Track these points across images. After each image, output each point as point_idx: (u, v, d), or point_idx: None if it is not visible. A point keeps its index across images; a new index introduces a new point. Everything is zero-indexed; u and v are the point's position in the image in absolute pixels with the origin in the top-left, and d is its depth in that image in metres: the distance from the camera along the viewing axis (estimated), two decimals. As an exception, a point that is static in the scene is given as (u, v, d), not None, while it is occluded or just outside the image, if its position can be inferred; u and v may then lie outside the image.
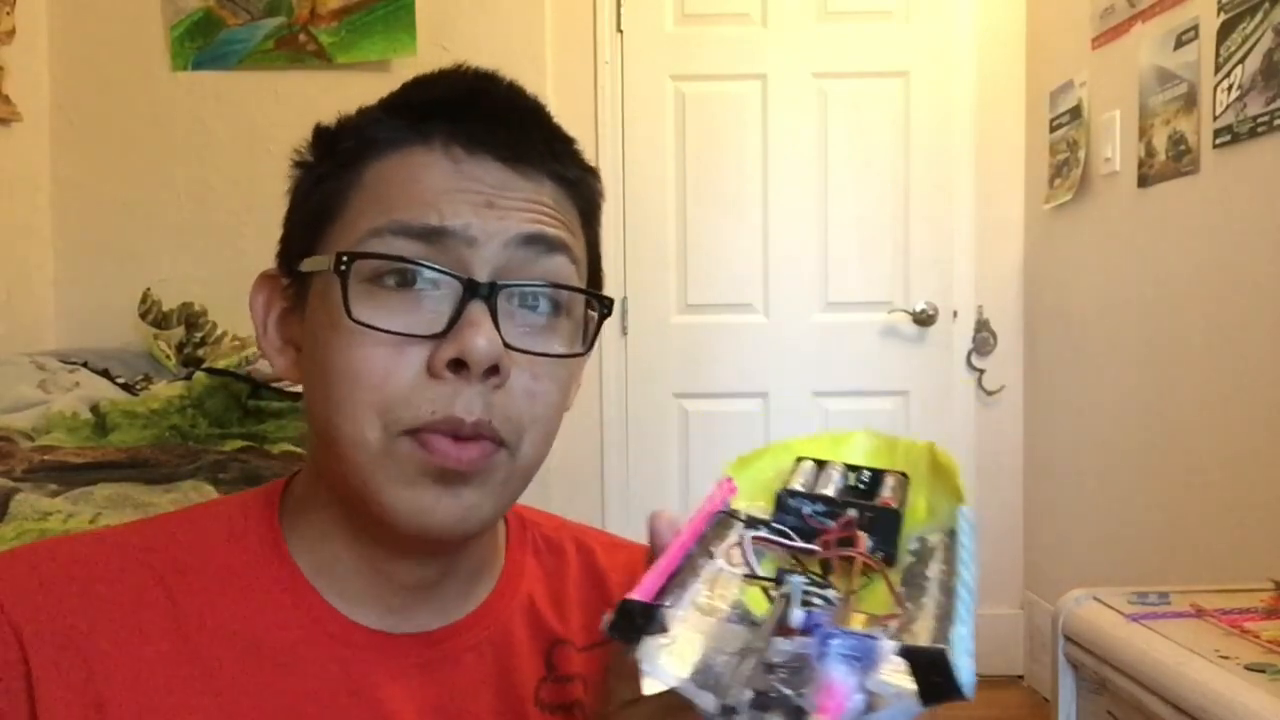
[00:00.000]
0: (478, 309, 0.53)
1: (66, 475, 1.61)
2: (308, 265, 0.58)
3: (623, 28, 2.85)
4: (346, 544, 0.59)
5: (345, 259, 0.54)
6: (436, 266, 0.54)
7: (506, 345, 0.54)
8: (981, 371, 2.91)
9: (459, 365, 0.53)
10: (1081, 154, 2.48)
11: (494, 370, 0.54)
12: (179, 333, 2.52)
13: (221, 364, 2.17)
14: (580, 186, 0.63)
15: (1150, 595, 1.45)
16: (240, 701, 0.56)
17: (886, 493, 0.49)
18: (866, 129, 2.87)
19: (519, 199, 0.57)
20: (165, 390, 2.03)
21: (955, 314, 2.88)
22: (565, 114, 2.57)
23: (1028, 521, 2.92)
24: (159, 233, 2.70)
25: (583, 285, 0.61)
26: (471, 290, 0.54)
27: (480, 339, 0.52)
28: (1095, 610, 1.42)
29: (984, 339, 2.90)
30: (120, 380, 2.17)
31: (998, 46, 2.87)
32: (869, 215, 2.88)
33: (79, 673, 0.54)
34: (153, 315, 2.55)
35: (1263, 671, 1.15)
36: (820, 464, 0.53)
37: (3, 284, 2.48)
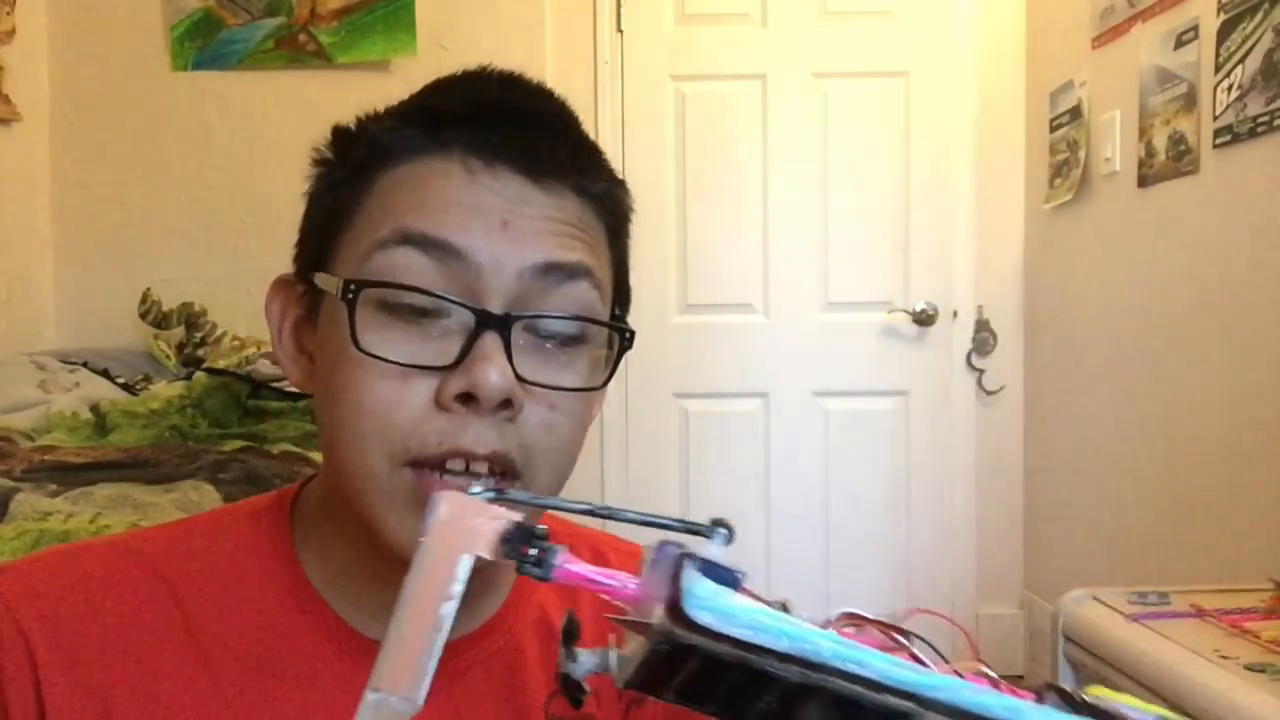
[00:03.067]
0: (490, 341, 0.51)
1: (66, 475, 1.61)
2: (320, 282, 0.56)
3: (623, 28, 2.85)
4: (357, 557, 0.58)
5: (353, 287, 0.52)
6: (449, 297, 0.52)
7: (520, 378, 0.52)
8: (981, 371, 2.91)
9: (468, 398, 0.51)
10: (1081, 154, 2.48)
11: (507, 404, 0.52)
12: (179, 333, 2.52)
13: (221, 364, 2.17)
14: (606, 200, 0.60)
15: (1150, 595, 1.45)
16: (250, 713, 0.55)
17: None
18: (866, 129, 2.87)
19: (537, 217, 0.54)
20: (165, 390, 2.03)
21: (955, 314, 2.88)
22: (565, 114, 2.46)
23: (1028, 521, 2.92)
24: (159, 233, 2.70)
25: (606, 307, 0.58)
26: (484, 321, 0.52)
27: (491, 373, 0.50)
28: (1095, 610, 1.42)
29: (984, 339, 2.90)
30: (120, 380, 2.17)
31: (998, 46, 2.87)
32: (869, 215, 2.88)
33: (88, 682, 0.53)
34: (153, 315, 2.55)
35: (1263, 671, 1.16)
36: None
37: (3, 284, 2.48)
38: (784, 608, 0.37)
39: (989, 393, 2.90)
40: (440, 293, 0.52)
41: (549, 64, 2.76)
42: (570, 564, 0.37)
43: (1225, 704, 1.11)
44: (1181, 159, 2.04)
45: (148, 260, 2.67)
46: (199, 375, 2.02)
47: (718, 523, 0.38)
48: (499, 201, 0.54)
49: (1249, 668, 1.17)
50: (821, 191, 2.88)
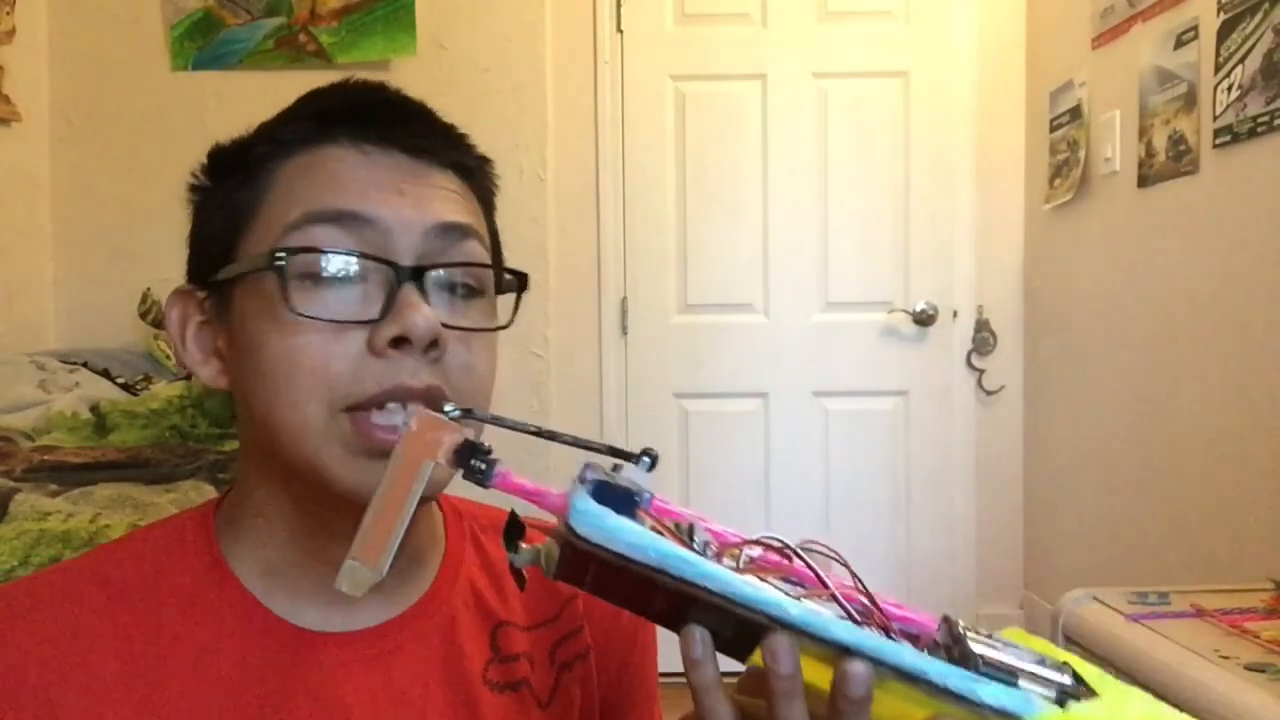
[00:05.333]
0: (410, 290, 0.57)
1: (66, 475, 1.61)
2: (233, 270, 0.59)
3: (623, 28, 2.85)
4: (291, 543, 0.61)
5: (281, 254, 0.56)
6: (368, 254, 0.57)
7: (441, 323, 0.57)
8: (981, 371, 2.91)
9: (400, 341, 0.56)
10: (1081, 154, 2.48)
11: (434, 344, 0.57)
12: (179, 333, 2.52)
13: (221, 364, 2.16)
14: (479, 175, 0.66)
15: (1150, 595, 1.45)
16: (193, 716, 0.57)
17: (1013, 664, 0.45)
18: (866, 129, 2.87)
19: (429, 185, 0.60)
20: (165, 390, 2.03)
21: (955, 314, 2.88)
22: (565, 114, 2.59)
23: (1028, 521, 2.92)
24: (159, 233, 2.69)
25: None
26: (402, 274, 0.57)
27: (419, 317, 0.55)
28: (1095, 610, 1.42)
29: (984, 339, 2.90)
30: (120, 380, 2.17)
31: (998, 46, 2.87)
32: (869, 215, 2.88)
33: (32, 706, 0.55)
34: (153, 315, 2.55)
35: (1263, 671, 1.16)
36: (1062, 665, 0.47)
37: (3, 284, 2.48)
38: (690, 529, 0.46)
39: (989, 393, 2.90)
40: (359, 252, 0.57)
41: (549, 64, 2.76)
42: (507, 478, 0.45)
43: (1225, 704, 1.11)
44: (1181, 159, 2.04)
45: (148, 260, 2.67)
46: (199, 375, 2.02)
47: (645, 451, 0.45)
48: (393, 174, 0.59)
49: (1249, 668, 1.17)
50: (821, 191, 2.88)
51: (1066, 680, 0.45)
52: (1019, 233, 2.90)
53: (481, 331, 0.61)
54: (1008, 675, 0.43)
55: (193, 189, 0.64)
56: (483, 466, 0.45)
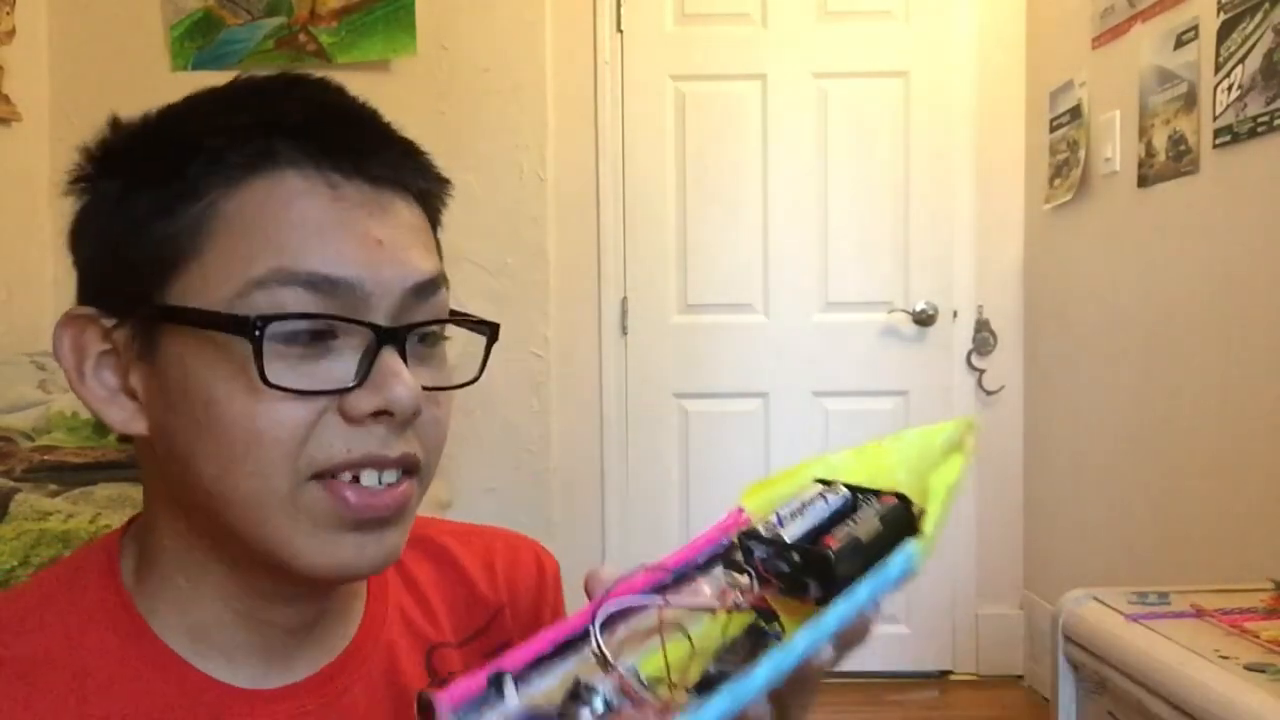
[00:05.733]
0: (390, 356, 0.52)
1: (66, 475, 1.61)
2: (175, 315, 0.52)
3: (623, 28, 2.85)
4: (220, 603, 0.56)
5: (259, 323, 0.49)
6: (352, 318, 0.51)
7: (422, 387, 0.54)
8: (981, 371, 2.91)
9: (381, 414, 0.52)
10: (1081, 154, 2.48)
11: (415, 414, 0.53)
12: (179, 333, 2.52)
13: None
14: (431, 199, 0.60)
15: (1150, 595, 1.45)
16: None
17: (845, 527, 0.49)
18: (866, 129, 2.87)
19: (401, 228, 0.55)
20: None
21: (955, 314, 2.88)
22: (565, 114, 2.59)
23: (1028, 521, 2.92)
24: (159, 233, 2.69)
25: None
26: (381, 337, 0.52)
27: (402, 389, 0.51)
28: (1095, 610, 1.42)
29: (984, 339, 2.90)
30: (120, 380, 2.17)
31: (998, 46, 2.87)
32: (869, 215, 2.88)
33: None
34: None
35: (1263, 671, 1.15)
36: (826, 485, 0.52)
37: (3, 284, 2.48)
38: (587, 688, 0.43)
39: (989, 393, 2.90)
40: (341, 317, 0.51)
41: (549, 64, 2.76)
42: None
43: (1225, 704, 1.11)
44: (1181, 159, 2.04)
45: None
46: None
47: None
48: (366, 217, 0.53)
49: (1249, 668, 1.17)
50: (821, 191, 2.88)
51: (847, 495, 0.50)
52: (1019, 233, 2.90)
53: (454, 389, 0.57)
54: (855, 544, 0.47)
55: (81, 178, 0.55)
56: None
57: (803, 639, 0.43)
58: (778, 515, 0.49)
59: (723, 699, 0.40)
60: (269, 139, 0.52)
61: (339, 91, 0.57)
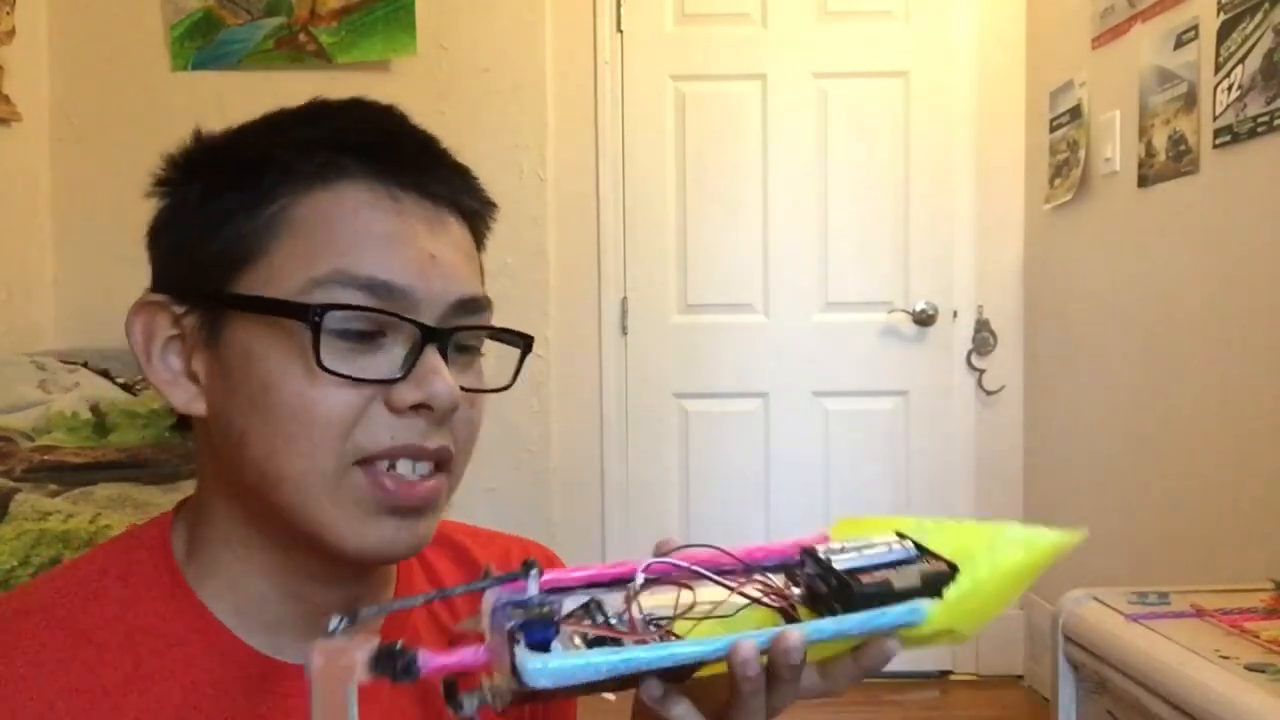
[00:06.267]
0: (433, 355, 0.56)
1: (66, 475, 1.61)
2: (243, 303, 0.56)
3: (623, 28, 2.85)
4: (266, 580, 0.59)
5: (318, 311, 0.54)
6: (402, 315, 0.56)
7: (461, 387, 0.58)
8: (981, 371, 2.91)
9: (421, 407, 0.56)
10: (1081, 154, 2.48)
11: (453, 410, 0.57)
12: (179, 333, 2.52)
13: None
14: (479, 220, 0.64)
15: (1150, 595, 1.45)
16: None
17: (886, 572, 0.51)
18: (866, 129, 2.87)
19: (453, 247, 0.59)
20: (165, 390, 2.03)
21: (955, 314, 2.88)
22: (565, 114, 2.60)
23: (1027, 521, 2.91)
24: (159, 233, 2.69)
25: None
26: (427, 336, 0.56)
27: (442, 385, 0.56)
28: (1095, 610, 1.42)
29: (984, 339, 2.90)
30: (120, 380, 2.17)
31: (998, 46, 2.87)
32: (869, 215, 2.88)
33: None
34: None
35: (1263, 671, 1.15)
36: (901, 538, 0.54)
37: (3, 284, 2.48)
38: (599, 606, 0.49)
39: (989, 393, 2.91)
40: (393, 313, 0.56)
41: (549, 64, 2.76)
42: (430, 661, 0.45)
43: (1225, 704, 1.11)
44: (1181, 159, 2.04)
45: (148, 260, 2.67)
46: (199, 375, 2.02)
47: (527, 565, 0.47)
48: (425, 231, 0.58)
49: (1249, 668, 1.17)
50: (821, 191, 2.88)
51: (911, 551, 0.52)
52: (1019, 233, 2.90)
53: (488, 392, 0.62)
54: (884, 587, 0.49)
55: (165, 182, 0.61)
56: (405, 664, 0.44)
57: (768, 631, 0.47)
58: (842, 545, 0.52)
59: (672, 646, 0.46)
60: (337, 153, 0.57)
61: (401, 116, 0.61)
